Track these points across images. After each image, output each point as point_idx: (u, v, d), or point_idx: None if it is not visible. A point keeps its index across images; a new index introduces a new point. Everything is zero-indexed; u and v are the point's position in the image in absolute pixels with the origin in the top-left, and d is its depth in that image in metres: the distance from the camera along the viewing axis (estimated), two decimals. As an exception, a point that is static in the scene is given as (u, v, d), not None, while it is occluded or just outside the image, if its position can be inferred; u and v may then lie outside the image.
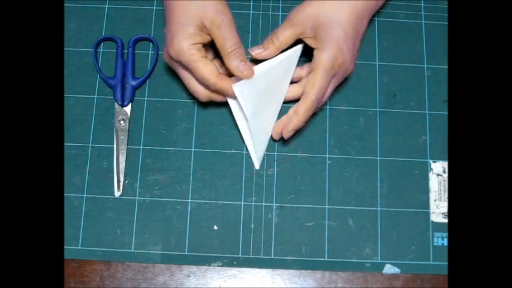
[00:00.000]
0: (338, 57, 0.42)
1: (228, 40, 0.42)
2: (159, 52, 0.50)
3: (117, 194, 0.46)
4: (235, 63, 0.42)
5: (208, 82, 0.43)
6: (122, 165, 0.47)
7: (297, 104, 0.44)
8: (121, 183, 0.46)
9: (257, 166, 0.47)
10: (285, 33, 0.45)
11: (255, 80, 0.43)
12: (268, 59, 0.45)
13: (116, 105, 0.48)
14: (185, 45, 0.42)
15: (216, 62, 0.46)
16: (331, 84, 0.44)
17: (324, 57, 0.42)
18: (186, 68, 0.44)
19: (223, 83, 0.43)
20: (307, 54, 0.46)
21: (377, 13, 0.50)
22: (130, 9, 0.51)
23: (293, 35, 0.45)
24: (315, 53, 0.43)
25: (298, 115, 0.43)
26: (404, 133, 0.48)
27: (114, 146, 0.47)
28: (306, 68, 0.47)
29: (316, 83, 0.43)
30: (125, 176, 0.47)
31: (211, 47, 0.45)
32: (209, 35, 0.43)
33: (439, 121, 0.49)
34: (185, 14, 0.42)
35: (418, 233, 0.46)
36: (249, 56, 0.46)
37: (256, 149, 0.46)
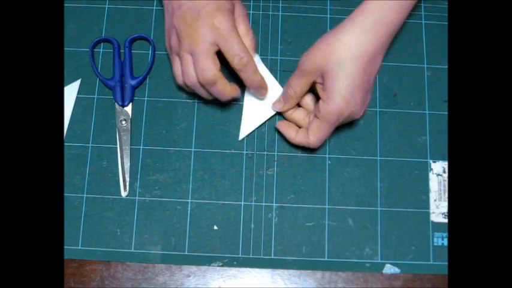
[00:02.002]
0: (344, 112, 0.42)
1: (248, 33, 0.45)
2: (156, 52, 0.50)
3: (123, 194, 0.46)
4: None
5: (236, 50, 0.42)
6: (127, 165, 0.47)
7: (300, 130, 0.46)
8: (127, 184, 0.46)
9: (240, 137, 0.48)
10: (299, 85, 0.44)
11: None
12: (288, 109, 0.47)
13: (117, 105, 0.48)
14: (228, 16, 0.42)
15: None
16: (332, 127, 0.44)
17: (329, 112, 0.42)
18: (200, 89, 0.44)
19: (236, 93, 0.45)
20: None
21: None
22: (131, 9, 0.51)
23: (305, 84, 0.44)
24: (321, 103, 0.42)
25: (293, 139, 0.46)
26: (404, 133, 0.48)
27: (118, 146, 0.47)
28: (312, 101, 0.46)
29: (319, 134, 0.43)
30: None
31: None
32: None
33: (439, 121, 0.49)
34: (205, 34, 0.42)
35: (418, 233, 0.46)
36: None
37: (246, 119, 0.48)
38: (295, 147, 0.48)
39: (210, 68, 0.42)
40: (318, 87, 0.43)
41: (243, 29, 0.45)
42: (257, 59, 0.47)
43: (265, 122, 0.48)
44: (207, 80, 0.42)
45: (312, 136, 0.44)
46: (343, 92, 0.41)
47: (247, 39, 0.44)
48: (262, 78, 0.45)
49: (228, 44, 0.42)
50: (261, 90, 0.46)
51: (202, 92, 0.45)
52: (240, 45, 0.42)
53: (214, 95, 0.44)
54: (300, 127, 0.46)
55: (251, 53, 0.44)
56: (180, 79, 0.45)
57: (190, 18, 0.42)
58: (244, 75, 0.44)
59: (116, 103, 0.48)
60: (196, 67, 0.42)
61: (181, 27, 0.42)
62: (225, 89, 0.44)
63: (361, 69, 0.41)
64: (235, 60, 0.42)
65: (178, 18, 0.43)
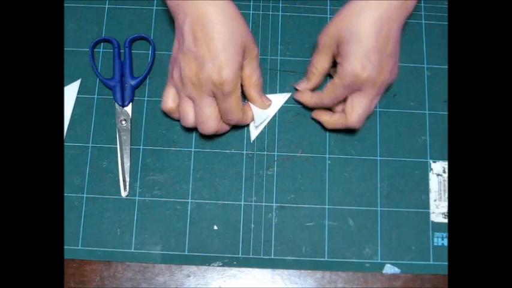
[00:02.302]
0: (359, 73, 0.41)
1: (256, 73, 0.45)
2: (156, 52, 0.50)
3: (123, 194, 0.46)
4: (258, 94, 0.46)
5: (232, 117, 0.44)
6: (127, 165, 0.47)
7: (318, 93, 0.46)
8: (127, 184, 0.46)
9: (252, 138, 0.48)
10: (319, 61, 0.46)
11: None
12: (317, 88, 0.48)
13: (117, 105, 0.48)
14: (235, 76, 0.41)
15: None
16: (365, 101, 0.43)
17: (343, 72, 0.42)
18: (214, 96, 0.42)
19: (247, 116, 0.46)
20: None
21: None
22: (131, 9, 0.51)
23: (326, 58, 0.45)
24: (338, 67, 0.43)
25: (308, 101, 0.47)
26: (404, 133, 0.48)
27: (118, 146, 0.47)
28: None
29: (333, 95, 0.44)
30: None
31: None
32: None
33: (439, 121, 0.49)
34: (235, 41, 0.41)
35: (418, 233, 0.46)
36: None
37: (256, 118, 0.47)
38: (295, 147, 0.48)
39: (211, 118, 0.43)
40: (337, 59, 0.44)
41: (248, 71, 0.44)
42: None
43: (268, 121, 0.48)
44: (206, 130, 0.44)
45: (326, 95, 0.44)
46: (357, 54, 0.41)
47: (251, 80, 0.45)
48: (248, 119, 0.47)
49: (223, 105, 0.42)
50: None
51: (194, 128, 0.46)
52: (232, 107, 0.43)
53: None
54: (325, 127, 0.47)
55: (259, 98, 0.46)
56: (165, 106, 0.46)
57: (196, 67, 0.41)
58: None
59: (116, 103, 0.48)
60: (197, 113, 0.43)
61: (187, 72, 0.41)
62: (225, 129, 0.46)
63: (375, 31, 0.41)
64: (225, 120, 0.44)
65: (186, 61, 0.41)
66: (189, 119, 0.44)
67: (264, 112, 0.47)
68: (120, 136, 0.48)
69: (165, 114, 0.47)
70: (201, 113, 0.43)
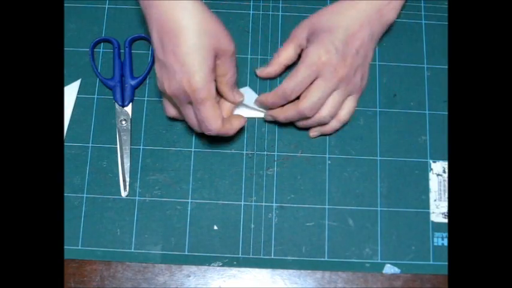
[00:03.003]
0: (321, 55, 0.42)
1: (231, 70, 0.42)
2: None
3: (123, 194, 0.46)
4: (230, 89, 0.43)
5: (210, 127, 0.41)
6: (127, 165, 0.47)
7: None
8: (127, 184, 0.46)
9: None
10: (285, 49, 0.46)
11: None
12: (273, 76, 0.49)
13: (117, 105, 0.48)
14: (206, 83, 0.38)
15: None
16: (322, 88, 0.42)
17: (307, 55, 0.43)
18: (184, 105, 0.41)
19: (224, 128, 0.42)
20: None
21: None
22: (131, 9, 0.51)
23: (293, 49, 0.46)
24: (302, 53, 0.44)
25: (266, 97, 0.45)
26: (404, 133, 0.48)
27: (118, 146, 0.47)
28: None
29: (293, 76, 0.43)
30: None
31: None
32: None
33: (439, 121, 0.49)
34: (202, 45, 0.38)
35: (418, 233, 0.46)
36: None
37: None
38: (295, 147, 0.48)
39: (213, 121, 0.41)
40: (304, 47, 0.45)
41: (221, 69, 0.41)
42: (247, 91, 0.47)
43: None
44: (211, 133, 0.42)
45: (287, 80, 0.43)
46: (323, 40, 0.42)
47: (224, 79, 0.42)
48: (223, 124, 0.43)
49: (198, 113, 0.40)
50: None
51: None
52: (212, 121, 0.40)
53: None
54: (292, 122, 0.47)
55: (230, 91, 0.43)
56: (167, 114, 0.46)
57: (167, 78, 0.40)
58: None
59: (116, 103, 0.48)
60: (198, 119, 0.41)
61: (160, 82, 0.41)
62: (231, 129, 0.43)
63: (346, 26, 0.43)
64: (203, 129, 0.42)
65: (157, 68, 0.41)
66: (193, 124, 0.43)
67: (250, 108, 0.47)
68: (120, 136, 0.48)
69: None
70: (190, 119, 0.42)
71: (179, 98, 0.40)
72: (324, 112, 0.44)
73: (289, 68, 0.48)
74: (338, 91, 0.44)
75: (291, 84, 0.43)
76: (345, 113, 0.46)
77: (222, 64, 0.41)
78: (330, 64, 0.42)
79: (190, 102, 0.40)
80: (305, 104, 0.43)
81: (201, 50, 0.38)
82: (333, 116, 0.45)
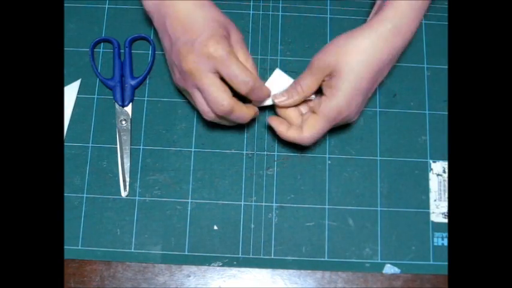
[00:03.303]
0: (343, 112, 0.41)
1: (243, 49, 0.43)
2: (156, 52, 0.50)
3: (123, 194, 0.46)
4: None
5: (243, 77, 0.40)
6: (127, 165, 0.47)
7: (295, 126, 0.44)
8: (127, 184, 0.46)
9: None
10: (306, 81, 0.43)
11: None
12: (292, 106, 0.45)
13: (117, 105, 0.48)
14: (224, 40, 0.40)
15: None
16: (327, 125, 0.43)
17: (329, 108, 0.41)
18: (215, 71, 0.41)
19: (237, 107, 0.42)
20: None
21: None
22: (131, 9, 0.51)
23: (315, 82, 0.43)
24: (323, 98, 0.42)
25: (284, 133, 0.44)
26: (404, 133, 0.48)
27: (118, 146, 0.47)
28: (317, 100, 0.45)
29: (314, 130, 0.42)
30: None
31: None
32: None
33: (439, 121, 0.49)
34: (212, 19, 0.41)
35: (418, 233, 0.46)
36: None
37: None
38: (296, 147, 0.48)
39: (223, 98, 0.40)
40: (325, 85, 0.43)
41: (242, 56, 0.42)
42: (278, 72, 0.46)
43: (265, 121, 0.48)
44: (223, 111, 0.41)
45: (307, 131, 0.42)
46: (348, 93, 0.41)
47: (248, 67, 0.42)
48: (269, 92, 0.44)
49: (229, 71, 0.40)
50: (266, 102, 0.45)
51: (225, 122, 0.44)
52: (242, 69, 0.40)
53: (234, 120, 0.43)
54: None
55: (255, 75, 0.43)
56: (206, 115, 0.43)
57: (185, 52, 0.40)
58: (254, 97, 0.43)
59: (116, 103, 0.48)
60: (208, 102, 0.41)
61: (180, 63, 0.41)
62: (244, 113, 0.43)
63: (370, 75, 0.41)
64: (241, 86, 0.41)
65: (175, 54, 0.42)
66: (207, 111, 0.42)
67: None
68: (120, 136, 0.48)
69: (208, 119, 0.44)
70: (209, 94, 0.41)
71: (202, 66, 0.40)
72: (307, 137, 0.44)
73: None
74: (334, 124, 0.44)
75: (313, 137, 0.43)
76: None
77: (233, 44, 0.42)
78: (348, 117, 0.42)
79: (213, 69, 0.40)
80: (307, 136, 0.43)
81: (213, 22, 0.41)
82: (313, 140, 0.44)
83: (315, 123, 0.42)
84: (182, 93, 0.47)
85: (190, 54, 0.40)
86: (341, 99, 0.41)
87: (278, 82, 0.46)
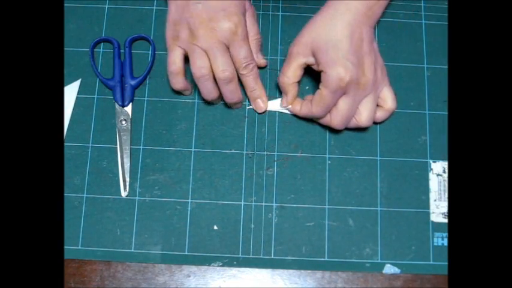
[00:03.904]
0: (343, 76, 0.41)
1: (254, 27, 0.48)
2: (156, 52, 0.50)
3: (123, 194, 0.46)
4: (255, 51, 0.48)
5: (250, 58, 0.46)
6: (127, 165, 0.47)
7: (305, 102, 0.46)
8: (127, 184, 0.46)
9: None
10: (290, 69, 0.45)
11: None
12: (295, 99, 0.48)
13: (117, 105, 0.48)
14: (244, 23, 0.45)
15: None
16: (350, 102, 0.43)
17: (328, 79, 0.42)
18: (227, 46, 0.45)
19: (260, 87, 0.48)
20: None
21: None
22: (131, 9, 0.51)
23: (298, 67, 0.45)
24: (321, 75, 0.43)
25: (299, 112, 0.47)
26: (404, 133, 0.48)
27: (118, 146, 0.47)
28: None
29: (321, 103, 0.43)
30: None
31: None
32: None
33: (439, 121, 0.49)
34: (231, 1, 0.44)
35: (418, 233, 0.46)
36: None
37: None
38: (295, 147, 0.48)
39: (230, 64, 0.44)
40: (314, 67, 0.44)
41: (251, 28, 0.47)
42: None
43: (268, 121, 0.48)
44: (226, 76, 0.44)
45: (315, 106, 0.44)
46: (335, 58, 0.42)
47: (252, 38, 0.47)
48: (261, 90, 0.47)
49: (237, 48, 0.44)
50: (256, 101, 0.48)
51: (205, 86, 0.45)
52: (249, 52, 0.45)
53: (224, 92, 0.45)
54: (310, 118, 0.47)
55: (255, 54, 0.47)
56: (173, 67, 0.45)
57: (207, 17, 0.43)
58: (246, 80, 0.46)
59: (115, 103, 0.48)
60: (214, 63, 0.44)
61: (197, 23, 0.43)
62: (238, 89, 0.46)
63: (348, 34, 0.42)
64: (242, 63, 0.44)
65: (194, 14, 0.43)
66: (203, 67, 0.44)
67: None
68: (120, 136, 0.48)
69: (171, 79, 0.47)
70: (219, 57, 0.44)
71: (218, 34, 0.43)
72: (364, 120, 0.45)
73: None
74: (369, 96, 0.44)
75: (319, 109, 0.44)
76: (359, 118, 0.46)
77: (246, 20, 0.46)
78: (352, 80, 0.42)
79: (226, 41, 0.44)
80: (338, 122, 0.44)
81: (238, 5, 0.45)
82: (371, 121, 0.45)
83: (321, 97, 0.43)
84: (169, 47, 0.46)
85: (212, 21, 0.43)
86: (333, 66, 0.42)
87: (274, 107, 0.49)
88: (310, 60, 0.44)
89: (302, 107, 0.46)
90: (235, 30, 0.43)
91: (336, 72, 0.41)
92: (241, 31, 0.44)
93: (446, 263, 0.45)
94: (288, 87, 0.46)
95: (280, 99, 0.48)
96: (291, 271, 0.45)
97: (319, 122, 0.47)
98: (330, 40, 0.42)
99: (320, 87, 0.43)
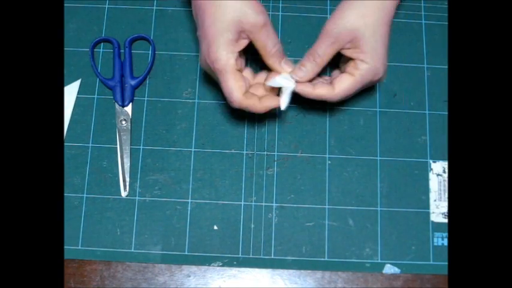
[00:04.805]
0: (378, 73, 0.42)
1: (270, 40, 0.42)
2: (156, 52, 0.50)
3: (123, 194, 0.46)
4: (278, 62, 0.43)
5: (231, 99, 0.41)
6: (127, 165, 0.47)
7: (321, 82, 0.44)
8: (127, 184, 0.46)
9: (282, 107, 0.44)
10: (328, 53, 0.42)
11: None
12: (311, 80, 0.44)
13: (117, 105, 0.48)
14: (223, 53, 0.40)
15: (248, 70, 0.45)
16: (357, 88, 0.43)
17: (365, 70, 0.41)
18: (216, 76, 0.42)
19: (248, 102, 0.42)
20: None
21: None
22: (131, 9, 0.51)
23: (333, 51, 0.42)
24: (358, 62, 0.42)
25: (312, 92, 0.43)
26: (404, 133, 0.48)
27: (118, 146, 0.47)
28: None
29: (347, 88, 0.42)
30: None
31: (244, 54, 0.44)
32: (247, 38, 0.42)
33: (439, 121, 0.49)
34: (223, 18, 0.40)
35: (418, 233, 0.46)
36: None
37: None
38: (295, 147, 0.48)
39: (233, 92, 0.41)
40: (350, 52, 0.42)
41: (261, 40, 0.42)
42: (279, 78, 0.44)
43: (268, 122, 0.48)
44: (233, 106, 0.42)
45: (339, 89, 0.42)
46: (380, 54, 0.42)
47: (266, 50, 0.43)
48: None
49: (223, 86, 0.41)
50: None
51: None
52: (234, 93, 0.41)
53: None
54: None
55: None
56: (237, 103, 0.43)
57: (200, 51, 0.43)
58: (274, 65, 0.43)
59: (116, 103, 0.48)
60: (222, 90, 0.42)
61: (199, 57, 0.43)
62: (256, 106, 0.42)
63: (387, 31, 0.42)
64: (227, 99, 0.42)
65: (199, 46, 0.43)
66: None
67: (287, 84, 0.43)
68: (120, 136, 0.48)
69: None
70: (222, 87, 0.42)
71: (206, 69, 0.43)
72: (337, 94, 0.43)
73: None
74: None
75: (342, 94, 0.42)
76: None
77: (257, 37, 0.42)
78: (381, 79, 0.43)
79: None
80: (340, 96, 0.42)
81: (221, 22, 0.40)
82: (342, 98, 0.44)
83: (349, 83, 0.42)
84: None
85: (201, 53, 0.42)
86: (377, 62, 0.41)
87: (281, 83, 0.43)
88: (347, 46, 0.42)
89: (317, 88, 0.43)
90: (211, 63, 0.41)
91: (375, 67, 0.41)
92: (218, 63, 0.41)
93: (446, 263, 0.45)
94: (314, 67, 0.43)
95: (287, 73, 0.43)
96: (291, 271, 0.45)
97: (311, 94, 0.43)
98: (378, 34, 0.41)
99: (352, 73, 0.42)
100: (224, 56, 0.40)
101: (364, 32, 0.41)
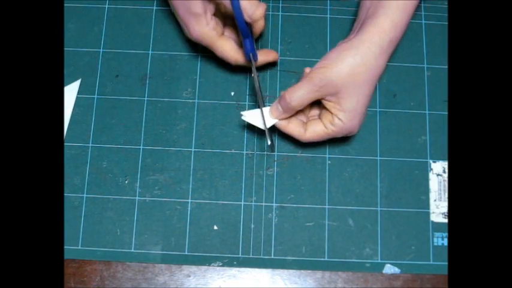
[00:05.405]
0: (352, 131, 0.44)
1: None
2: (156, 51, 0.50)
3: (269, 143, 0.44)
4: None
5: (230, 59, 0.46)
6: (266, 111, 0.45)
7: (296, 120, 0.45)
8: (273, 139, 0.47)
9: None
10: (308, 98, 0.42)
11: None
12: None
13: (253, 60, 0.45)
14: (200, 31, 0.44)
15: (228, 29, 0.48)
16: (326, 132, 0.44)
17: (340, 128, 0.43)
18: (209, 46, 0.46)
19: (242, 59, 0.46)
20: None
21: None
22: (131, 9, 0.51)
23: (313, 98, 0.42)
24: (337, 121, 0.42)
25: (285, 127, 0.45)
26: (404, 133, 0.48)
27: (257, 96, 0.45)
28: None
29: (316, 136, 0.44)
30: (126, 175, 0.47)
31: (217, 17, 0.46)
32: (211, 3, 0.44)
33: (439, 121, 0.49)
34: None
35: (418, 233, 0.46)
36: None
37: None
38: (295, 147, 0.48)
39: (231, 55, 0.46)
40: (330, 105, 0.42)
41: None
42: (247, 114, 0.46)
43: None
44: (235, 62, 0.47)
45: (309, 134, 0.44)
46: (361, 112, 0.42)
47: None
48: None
49: (219, 55, 0.46)
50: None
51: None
52: (231, 57, 0.46)
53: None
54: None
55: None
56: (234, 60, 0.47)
57: (187, 32, 0.46)
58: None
59: (251, 57, 0.45)
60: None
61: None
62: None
63: (373, 87, 0.43)
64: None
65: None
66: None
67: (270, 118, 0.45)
68: (260, 86, 0.45)
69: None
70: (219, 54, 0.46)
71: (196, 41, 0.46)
72: (307, 138, 0.45)
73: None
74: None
75: (310, 139, 0.45)
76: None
77: None
78: (353, 132, 0.44)
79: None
80: (306, 140, 0.45)
81: (188, 2, 0.43)
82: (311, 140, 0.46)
83: (320, 131, 0.44)
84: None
85: (189, 35, 0.46)
86: (357, 121, 0.43)
87: (253, 117, 0.45)
88: (329, 98, 0.42)
89: (290, 126, 0.44)
90: (197, 41, 0.46)
91: (351, 127, 0.43)
92: (204, 39, 0.45)
93: (446, 263, 0.45)
94: (289, 111, 0.43)
95: (265, 108, 0.45)
96: (291, 271, 0.45)
97: (286, 129, 0.45)
98: (361, 91, 0.41)
99: (326, 126, 0.43)
100: (202, 32, 0.44)
101: (350, 91, 0.41)
